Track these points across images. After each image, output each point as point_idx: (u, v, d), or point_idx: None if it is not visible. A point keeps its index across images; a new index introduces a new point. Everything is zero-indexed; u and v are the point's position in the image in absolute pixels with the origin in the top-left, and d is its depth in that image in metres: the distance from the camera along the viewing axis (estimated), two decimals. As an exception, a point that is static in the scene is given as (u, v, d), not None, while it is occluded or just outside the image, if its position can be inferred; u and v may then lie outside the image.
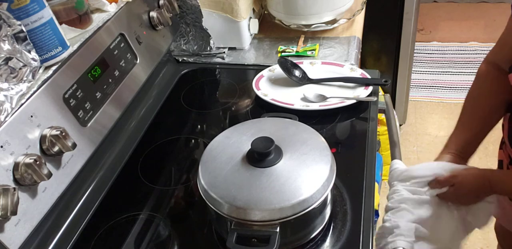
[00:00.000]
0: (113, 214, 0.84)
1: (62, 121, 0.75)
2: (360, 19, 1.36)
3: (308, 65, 1.13)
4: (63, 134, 0.71)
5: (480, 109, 0.85)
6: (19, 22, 0.66)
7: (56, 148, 0.70)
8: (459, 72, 2.66)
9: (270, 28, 1.35)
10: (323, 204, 0.71)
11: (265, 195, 0.65)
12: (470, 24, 3.02)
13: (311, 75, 1.10)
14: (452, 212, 0.77)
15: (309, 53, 1.21)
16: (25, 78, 0.68)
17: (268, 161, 0.68)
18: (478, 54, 2.74)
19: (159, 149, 0.98)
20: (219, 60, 1.24)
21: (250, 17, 1.25)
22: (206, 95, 1.18)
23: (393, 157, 0.93)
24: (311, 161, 0.69)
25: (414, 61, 2.23)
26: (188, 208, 0.86)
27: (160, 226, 0.81)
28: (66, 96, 0.76)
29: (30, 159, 0.65)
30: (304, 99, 1.04)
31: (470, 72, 2.63)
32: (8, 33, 0.65)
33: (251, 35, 1.28)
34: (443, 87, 2.57)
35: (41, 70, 0.72)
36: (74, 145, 0.73)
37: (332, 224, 0.78)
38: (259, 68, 1.17)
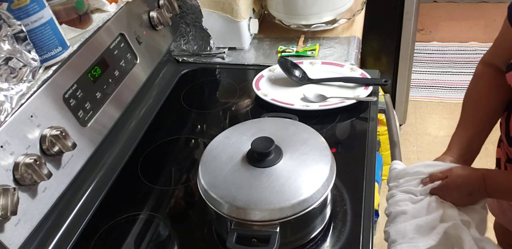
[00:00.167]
0: (113, 214, 0.84)
1: (62, 121, 0.75)
2: (360, 19, 1.36)
3: (308, 65, 1.13)
4: (63, 134, 0.71)
5: (479, 110, 0.85)
6: (19, 22, 0.66)
7: (56, 148, 0.70)
8: (459, 72, 2.66)
9: (270, 28, 1.35)
10: (323, 204, 0.71)
11: (265, 195, 0.65)
12: (470, 24, 3.02)
13: (311, 75, 1.10)
14: (446, 212, 0.76)
15: (309, 53, 1.21)
16: (25, 78, 0.68)
17: (268, 161, 0.68)
18: (478, 54, 2.74)
19: (159, 149, 0.98)
20: (219, 60, 1.24)
21: (250, 17, 1.25)
22: (206, 95, 1.18)
23: (393, 157, 0.93)
24: (311, 161, 0.69)
25: (414, 61, 2.23)
26: (188, 208, 0.86)
27: (160, 226, 0.81)
28: (66, 96, 0.76)
29: (30, 159, 0.65)
30: (304, 99, 1.04)
31: (470, 72, 2.63)
32: (8, 33, 0.65)
33: (251, 35, 1.28)
34: (443, 87, 2.57)
35: (41, 70, 0.72)
36: (74, 145, 0.73)
37: (332, 224, 0.78)
38: (259, 68, 1.17)
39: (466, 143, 0.84)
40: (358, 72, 1.09)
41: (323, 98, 1.03)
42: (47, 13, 0.72)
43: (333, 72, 1.10)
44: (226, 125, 1.03)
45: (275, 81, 1.11)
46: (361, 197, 0.81)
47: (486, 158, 1.81)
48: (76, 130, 0.78)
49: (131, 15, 0.97)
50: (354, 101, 1.00)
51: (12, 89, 0.66)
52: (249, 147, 0.69)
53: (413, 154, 2.16)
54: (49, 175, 0.67)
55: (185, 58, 1.25)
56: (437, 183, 0.77)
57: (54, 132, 0.70)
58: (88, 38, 0.83)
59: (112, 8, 0.90)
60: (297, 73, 1.09)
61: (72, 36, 0.82)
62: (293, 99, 1.04)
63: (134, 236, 0.80)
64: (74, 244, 0.79)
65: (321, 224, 0.75)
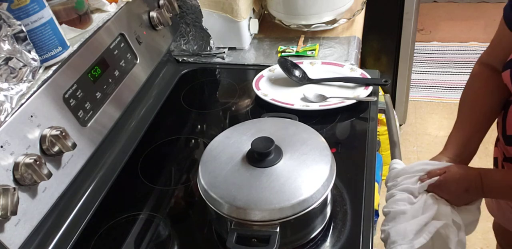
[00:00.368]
0: (113, 214, 0.84)
1: (62, 121, 0.75)
2: (360, 19, 1.36)
3: (308, 65, 1.13)
4: (63, 134, 0.71)
5: (475, 109, 0.85)
6: (19, 22, 0.66)
7: (56, 148, 0.70)
8: (459, 72, 2.66)
9: (270, 28, 1.35)
10: (323, 204, 0.71)
11: (265, 195, 0.65)
12: (470, 24, 3.02)
13: (311, 75, 1.10)
14: (440, 210, 0.77)
15: (309, 53, 1.21)
16: (25, 78, 0.68)
17: (268, 161, 0.68)
18: (478, 54, 2.74)
19: (159, 149, 0.98)
20: (219, 60, 1.24)
21: (250, 17, 1.25)
22: (206, 95, 1.18)
23: (393, 157, 0.93)
24: (311, 161, 0.69)
25: (414, 61, 2.23)
26: (188, 208, 0.86)
27: (160, 226, 0.81)
28: (66, 96, 0.76)
29: (30, 159, 0.65)
30: (304, 99, 1.04)
31: (470, 72, 2.63)
32: (8, 33, 0.65)
33: (251, 35, 1.28)
34: (443, 87, 2.58)
35: (41, 70, 0.72)
36: (74, 145, 0.73)
37: (332, 224, 0.78)
38: (259, 68, 1.17)
39: (462, 143, 0.84)
40: (358, 72, 1.09)
41: (323, 98, 1.03)
42: (47, 13, 0.72)
43: (333, 72, 1.10)
44: (226, 125, 1.03)
45: (275, 81, 1.11)
46: (361, 197, 0.81)
47: (486, 158, 1.80)
48: (76, 130, 0.78)
49: (131, 15, 0.97)
50: (354, 101, 1.00)
51: (12, 89, 0.66)
52: (249, 147, 0.69)
53: (413, 154, 2.17)
54: (49, 175, 0.67)
55: (185, 58, 1.25)
56: (435, 178, 0.77)
57: (54, 132, 0.70)
58: (88, 38, 0.83)
59: (112, 8, 0.90)
60: (297, 73, 1.09)
61: (72, 36, 0.82)
62: (293, 99, 1.04)
63: (134, 236, 0.80)
64: (74, 244, 0.79)
65: (321, 224, 0.75)
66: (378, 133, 1.35)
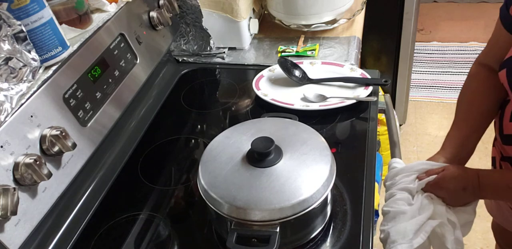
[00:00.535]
0: (113, 214, 0.84)
1: (62, 121, 0.75)
2: (360, 19, 1.36)
3: (308, 65, 1.13)
4: (63, 134, 0.71)
5: (473, 110, 0.86)
6: (19, 22, 0.66)
7: (56, 148, 0.70)
8: (459, 72, 2.66)
9: (270, 28, 1.35)
10: (323, 204, 0.71)
11: (265, 195, 0.65)
12: (470, 24, 3.02)
13: (311, 75, 1.10)
14: (435, 209, 0.77)
15: (309, 53, 1.21)
16: (25, 78, 0.68)
17: (268, 161, 0.68)
18: (478, 54, 2.73)
19: (159, 149, 0.98)
20: (219, 60, 1.24)
21: (250, 17, 1.25)
22: (206, 95, 1.18)
23: (393, 157, 0.93)
24: (311, 161, 0.69)
25: (414, 61, 2.23)
26: (188, 208, 0.86)
27: (160, 226, 0.81)
28: (66, 96, 0.76)
29: (30, 159, 0.65)
30: (304, 99, 1.04)
31: (469, 72, 2.63)
32: (8, 33, 0.65)
33: (251, 35, 1.28)
34: (443, 87, 2.58)
35: (41, 70, 0.72)
36: (74, 145, 0.73)
37: (332, 224, 0.78)
38: (259, 68, 1.17)
39: (459, 143, 0.84)
40: (358, 72, 1.09)
41: (323, 98, 1.03)
42: (47, 13, 0.72)
43: (333, 72, 1.10)
44: (226, 125, 1.03)
45: (275, 81, 1.11)
46: (361, 197, 0.81)
47: (486, 158, 1.80)
48: (76, 130, 0.78)
49: (131, 15, 0.97)
50: (354, 101, 1.00)
51: (12, 89, 0.66)
52: (249, 147, 0.69)
53: (413, 154, 2.17)
54: (49, 175, 0.67)
55: (185, 58, 1.25)
56: (433, 177, 0.77)
57: (54, 132, 0.70)
58: (88, 38, 0.83)
59: (112, 8, 0.90)
60: (297, 73, 1.09)
61: (72, 36, 0.82)
62: (293, 99, 1.04)
63: (134, 236, 0.80)
64: (74, 244, 0.79)
65: (321, 224, 0.75)
66: (378, 133, 1.35)
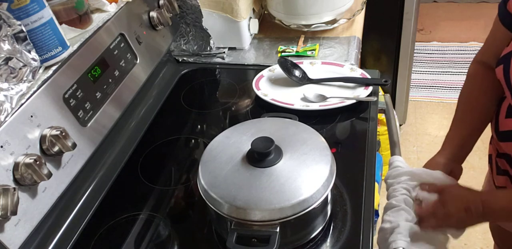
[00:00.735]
0: (113, 214, 0.84)
1: (62, 121, 0.75)
2: (360, 19, 1.36)
3: (308, 65, 1.13)
4: (63, 134, 0.71)
5: (472, 109, 0.86)
6: (19, 22, 0.66)
7: (56, 148, 0.70)
8: (459, 72, 2.66)
9: (270, 28, 1.35)
10: (323, 204, 0.71)
11: (265, 195, 0.65)
12: (470, 24, 3.02)
13: (311, 75, 1.10)
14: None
15: (309, 53, 1.21)
16: (25, 78, 0.68)
17: (268, 161, 0.68)
18: (478, 54, 2.74)
19: (159, 149, 0.98)
20: (219, 60, 1.24)
21: (250, 17, 1.25)
22: (206, 95, 1.18)
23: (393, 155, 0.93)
24: (311, 161, 0.69)
25: (414, 61, 2.23)
26: (188, 208, 0.86)
27: (160, 226, 0.81)
28: (66, 96, 0.76)
29: (30, 159, 0.65)
30: (304, 99, 1.04)
31: (469, 72, 2.63)
32: (8, 33, 0.65)
33: (251, 35, 1.28)
34: (443, 87, 2.58)
35: (41, 70, 0.72)
36: (74, 145, 0.73)
37: (332, 224, 0.78)
38: (259, 68, 1.17)
39: (460, 143, 0.85)
40: (358, 72, 1.09)
41: (323, 98, 1.03)
42: (47, 13, 0.72)
43: (333, 72, 1.10)
44: (226, 125, 1.03)
45: (275, 81, 1.11)
46: (361, 197, 0.81)
47: (486, 157, 1.80)
48: (76, 130, 0.78)
49: (131, 15, 0.97)
50: (354, 101, 1.00)
51: (12, 89, 0.66)
52: (249, 147, 0.69)
53: (413, 154, 2.17)
54: (49, 175, 0.67)
55: (185, 58, 1.25)
56: (433, 197, 0.76)
57: (54, 132, 0.70)
58: (88, 38, 0.83)
59: (112, 8, 0.90)
60: (297, 73, 1.09)
61: (72, 36, 0.82)
62: (293, 99, 1.04)
63: (134, 236, 0.80)
64: (74, 244, 0.79)
65: (321, 224, 0.75)
66: (378, 133, 1.35)
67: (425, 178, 0.80)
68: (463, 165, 0.88)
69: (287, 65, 1.10)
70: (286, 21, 1.29)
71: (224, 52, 1.25)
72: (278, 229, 0.65)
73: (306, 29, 1.28)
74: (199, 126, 1.06)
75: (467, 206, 0.73)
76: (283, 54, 1.22)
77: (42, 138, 0.69)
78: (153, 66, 1.05)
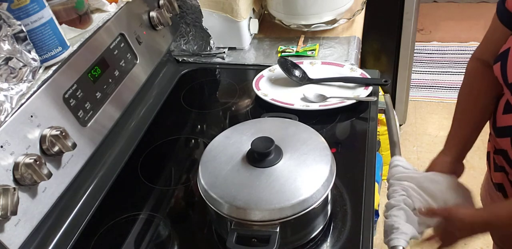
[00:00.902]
0: (113, 214, 0.84)
1: (62, 121, 0.75)
2: (360, 19, 1.36)
3: (308, 65, 1.13)
4: (63, 134, 0.71)
5: (473, 107, 0.86)
6: (19, 22, 0.66)
7: (56, 148, 0.70)
8: (459, 72, 2.66)
9: (270, 28, 1.35)
10: (323, 204, 0.71)
11: (265, 195, 0.65)
12: (470, 24, 3.02)
13: (311, 75, 1.10)
14: None
15: (309, 53, 1.21)
16: (25, 78, 0.68)
17: (268, 161, 0.68)
18: (478, 54, 2.74)
19: (159, 149, 0.98)
20: (219, 60, 1.24)
21: (250, 17, 1.25)
22: (206, 95, 1.18)
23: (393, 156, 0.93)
24: (311, 161, 0.69)
25: (414, 61, 2.23)
26: (188, 208, 0.86)
27: (160, 226, 0.81)
28: (66, 96, 0.76)
29: (30, 159, 0.65)
30: (304, 99, 1.04)
31: (469, 72, 2.63)
32: (8, 33, 0.65)
33: (251, 35, 1.28)
34: (443, 87, 2.58)
35: (41, 70, 0.72)
36: (74, 145, 0.73)
37: (332, 224, 0.78)
38: (259, 68, 1.17)
39: (464, 142, 0.86)
40: (358, 72, 1.09)
41: (323, 98, 1.03)
42: (47, 13, 0.72)
43: (333, 72, 1.10)
44: (226, 125, 1.03)
45: (275, 81, 1.11)
46: (361, 197, 0.81)
47: (486, 157, 1.80)
48: (76, 130, 0.78)
49: (131, 15, 0.97)
50: (354, 101, 1.00)
51: (12, 89, 0.66)
52: (249, 147, 0.69)
53: (413, 154, 2.16)
54: (49, 175, 0.67)
55: (185, 58, 1.26)
56: (435, 221, 0.79)
57: (54, 132, 0.70)
58: (88, 38, 0.83)
59: (112, 8, 0.90)
60: (297, 73, 1.09)
61: (72, 36, 0.82)
62: (293, 99, 1.04)
63: (134, 236, 0.80)
64: (74, 244, 0.79)
65: (321, 224, 0.75)
66: (378, 133, 1.35)
67: (428, 187, 0.81)
68: (463, 165, 0.89)
69: (287, 65, 1.10)
70: (286, 21, 1.29)
71: (224, 52, 1.25)
72: (278, 229, 0.65)
73: (306, 29, 1.28)
74: (199, 126, 1.06)
75: (473, 232, 0.78)
76: (283, 54, 1.22)
77: (42, 138, 0.69)
78: (153, 66, 1.05)
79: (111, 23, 0.89)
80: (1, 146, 0.63)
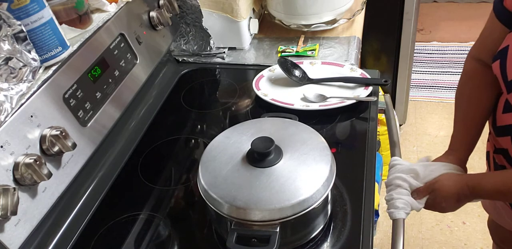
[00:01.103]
0: (113, 214, 0.84)
1: (62, 121, 0.75)
2: (360, 19, 1.36)
3: (308, 65, 1.13)
4: (63, 134, 0.71)
5: (475, 108, 0.86)
6: (19, 22, 0.66)
7: (56, 148, 0.70)
8: (459, 72, 2.63)
9: (270, 28, 1.35)
10: (323, 204, 0.71)
11: (265, 195, 0.65)
12: (470, 24, 3.02)
13: (311, 75, 1.10)
14: None
15: (309, 53, 1.21)
16: (25, 78, 0.68)
17: (268, 161, 0.68)
18: (478, 54, 2.74)
19: (159, 149, 0.98)
20: (219, 60, 1.24)
21: (250, 17, 1.25)
22: (206, 95, 1.18)
23: (393, 156, 0.93)
24: (311, 161, 0.69)
25: (414, 61, 2.23)
26: (188, 208, 0.86)
27: (160, 226, 0.81)
28: (66, 96, 0.76)
29: (30, 159, 0.65)
30: (304, 99, 1.04)
31: (469, 72, 2.63)
32: (8, 33, 0.65)
33: (251, 35, 1.28)
34: (443, 87, 2.57)
35: (41, 70, 0.72)
36: (74, 145, 0.73)
37: (332, 224, 0.78)
38: (259, 68, 1.17)
39: (470, 143, 0.86)
40: (358, 72, 1.09)
41: (323, 98, 1.03)
42: (47, 13, 0.72)
43: (333, 72, 1.10)
44: (226, 125, 1.03)
45: (275, 81, 1.11)
46: (361, 197, 0.81)
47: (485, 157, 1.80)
48: (76, 130, 0.78)
49: (131, 15, 0.97)
50: (354, 101, 1.00)
51: (12, 89, 0.66)
52: (249, 147, 0.69)
53: (413, 154, 2.17)
54: (49, 175, 0.67)
55: (185, 58, 1.25)
56: (424, 200, 0.81)
57: (54, 132, 0.70)
58: (88, 38, 0.83)
59: (112, 8, 0.90)
60: (297, 73, 1.09)
61: (72, 36, 0.82)
62: (293, 99, 1.04)
63: (134, 236, 0.80)
64: (74, 244, 0.79)
65: (321, 224, 0.75)
66: (378, 133, 1.35)
67: (422, 172, 0.83)
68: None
69: (287, 65, 1.10)
70: (286, 21, 1.29)
71: (224, 52, 1.25)
72: (278, 229, 0.65)
73: (306, 29, 1.28)
74: (199, 126, 1.06)
75: (458, 198, 0.79)
76: (283, 54, 1.22)
77: (42, 138, 0.69)
78: (153, 66, 1.05)
79: (111, 23, 0.89)
80: (1, 146, 0.63)
